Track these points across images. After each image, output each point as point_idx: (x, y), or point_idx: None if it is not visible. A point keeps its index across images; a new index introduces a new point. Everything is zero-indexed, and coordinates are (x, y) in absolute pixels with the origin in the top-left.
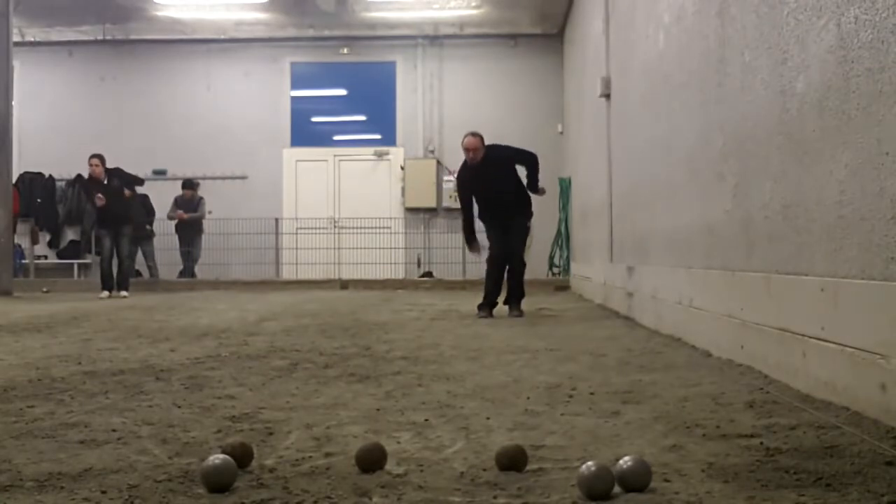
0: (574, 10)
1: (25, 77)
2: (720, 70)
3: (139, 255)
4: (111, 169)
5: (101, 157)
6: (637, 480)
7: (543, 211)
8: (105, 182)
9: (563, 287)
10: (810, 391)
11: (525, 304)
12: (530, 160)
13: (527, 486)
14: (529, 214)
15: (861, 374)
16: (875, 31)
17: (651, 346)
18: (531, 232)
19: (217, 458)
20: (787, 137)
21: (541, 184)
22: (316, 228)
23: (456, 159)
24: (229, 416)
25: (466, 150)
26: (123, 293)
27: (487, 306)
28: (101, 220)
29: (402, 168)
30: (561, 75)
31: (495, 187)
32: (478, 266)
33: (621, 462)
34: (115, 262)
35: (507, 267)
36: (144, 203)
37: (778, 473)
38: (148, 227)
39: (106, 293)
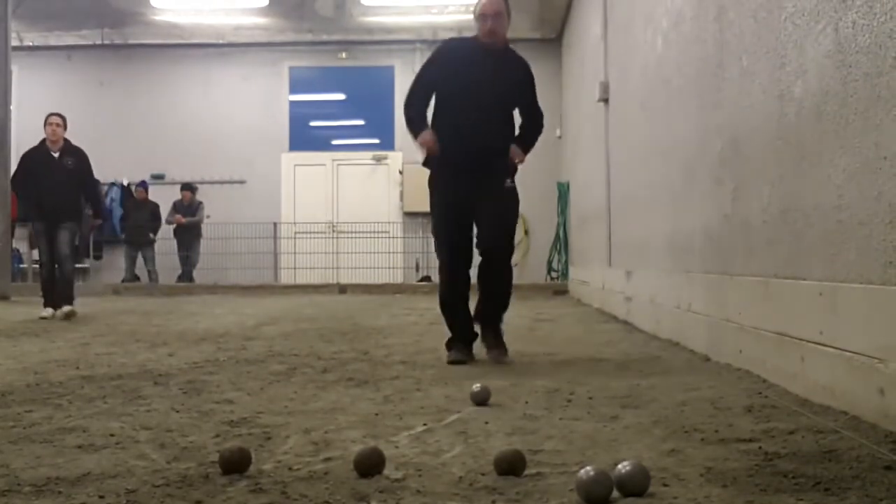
0: (572, 15)
1: (24, 81)
2: (718, 75)
3: (139, 260)
4: (72, 145)
5: (64, 120)
6: (636, 485)
7: (541, 215)
8: (56, 156)
9: (562, 291)
10: (809, 395)
11: (523, 310)
12: (538, 119)
13: (525, 490)
14: (513, 170)
15: (859, 378)
16: (873, 36)
17: (649, 350)
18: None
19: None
20: (785, 142)
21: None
22: (314, 233)
23: None
24: (227, 421)
25: (483, 16)
26: (66, 308)
27: (461, 341)
28: (36, 211)
29: (401, 172)
30: (559, 80)
31: (486, 101)
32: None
33: (620, 467)
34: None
35: (486, 267)
36: (154, 211)
37: (776, 478)
38: (151, 234)
39: (49, 311)
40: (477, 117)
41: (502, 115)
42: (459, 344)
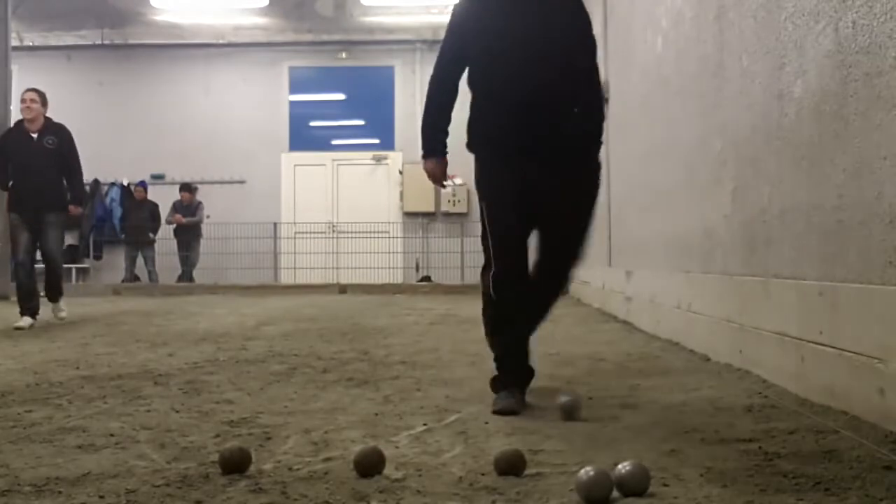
0: None
1: (24, 81)
2: (718, 74)
3: (139, 260)
4: (54, 122)
5: (42, 96)
6: (636, 485)
7: None
8: (35, 136)
9: None
10: (809, 395)
11: None
12: (598, 91)
13: (525, 490)
14: (599, 138)
15: (859, 378)
16: (872, 36)
17: (649, 350)
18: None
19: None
20: (785, 142)
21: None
22: (314, 233)
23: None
24: (227, 421)
25: None
26: (62, 313)
27: (516, 382)
28: (14, 199)
29: (401, 172)
30: None
31: (542, 51)
32: (478, 271)
33: (620, 467)
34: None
35: (545, 275)
36: (153, 211)
37: (776, 478)
38: (151, 234)
39: (27, 320)
40: (542, 67)
41: (567, 66)
42: (513, 386)
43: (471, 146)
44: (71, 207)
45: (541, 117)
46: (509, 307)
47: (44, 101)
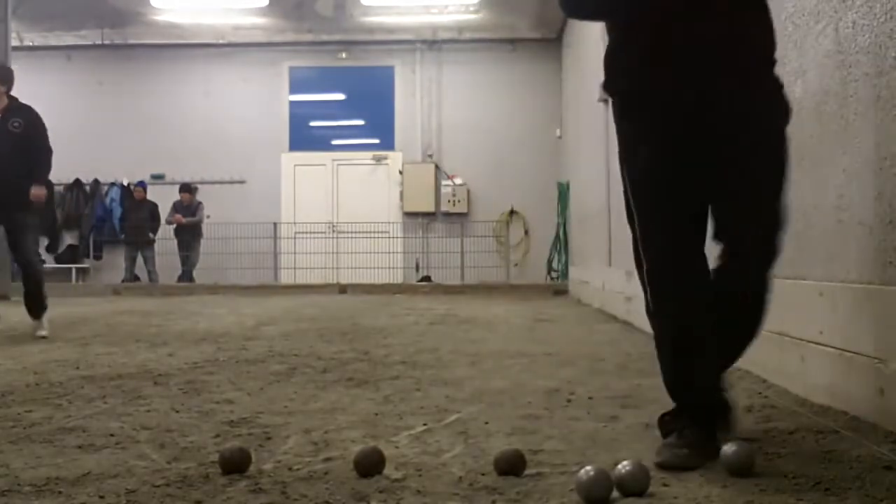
0: None
1: (24, 81)
2: None
3: (139, 260)
4: (20, 103)
5: (6, 72)
6: (636, 485)
7: (541, 215)
8: None
9: (562, 291)
10: (809, 395)
11: (523, 310)
12: None
13: (525, 490)
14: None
15: (859, 378)
16: (873, 36)
17: (650, 350)
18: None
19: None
20: None
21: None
22: (314, 233)
23: (454, 162)
24: (227, 421)
25: None
26: (42, 332)
27: (698, 419)
28: None
29: (401, 172)
30: (559, 80)
31: None
32: (478, 271)
33: (620, 466)
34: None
35: (728, 280)
36: (153, 211)
37: (776, 478)
38: (151, 234)
39: None
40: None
41: None
42: (694, 425)
43: None
44: (32, 190)
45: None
46: (676, 326)
47: (7, 81)
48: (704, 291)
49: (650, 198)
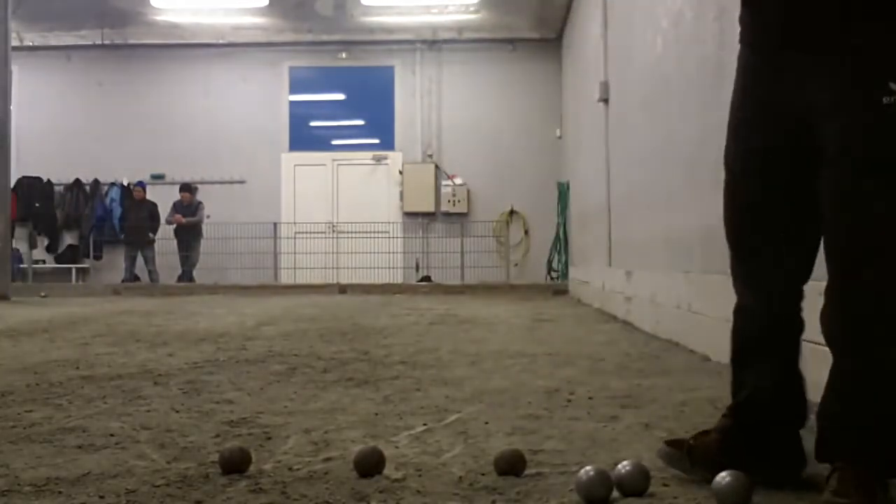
0: (572, 15)
1: (24, 82)
2: (718, 74)
3: (139, 260)
4: None
5: None
6: (636, 485)
7: (541, 215)
8: None
9: (562, 291)
10: (809, 395)
11: (523, 310)
12: None
13: (525, 490)
14: None
15: None
16: None
17: (649, 350)
18: None
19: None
20: None
21: None
22: (314, 233)
23: (454, 162)
24: (227, 421)
25: None
26: None
27: (746, 427)
28: None
29: (401, 172)
30: (559, 80)
31: None
32: (478, 271)
33: (620, 467)
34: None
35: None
36: (152, 211)
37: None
38: (151, 234)
39: None
40: None
41: None
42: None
43: None
44: None
45: None
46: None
47: None
48: None
49: None
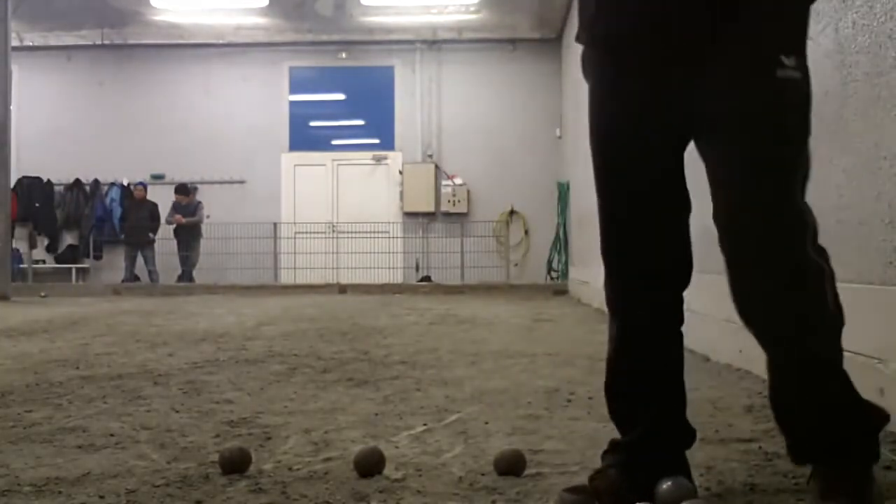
0: (573, 15)
1: (24, 82)
2: None
3: (139, 260)
4: None
5: None
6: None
7: (541, 215)
8: None
9: (561, 291)
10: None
11: (523, 310)
12: None
13: (525, 490)
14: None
15: (859, 378)
16: (872, 36)
17: None
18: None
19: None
20: None
21: None
22: (314, 233)
23: (454, 162)
24: (227, 421)
25: None
26: None
27: (645, 463)
28: None
29: (401, 172)
30: (559, 80)
31: None
32: (478, 271)
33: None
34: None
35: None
36: (153, 211)
37: (777, 478)
38: (151, 234)
39: None
40: None
41: None
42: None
43: None
44: None
45: None
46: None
47: None
48: None
49: None
